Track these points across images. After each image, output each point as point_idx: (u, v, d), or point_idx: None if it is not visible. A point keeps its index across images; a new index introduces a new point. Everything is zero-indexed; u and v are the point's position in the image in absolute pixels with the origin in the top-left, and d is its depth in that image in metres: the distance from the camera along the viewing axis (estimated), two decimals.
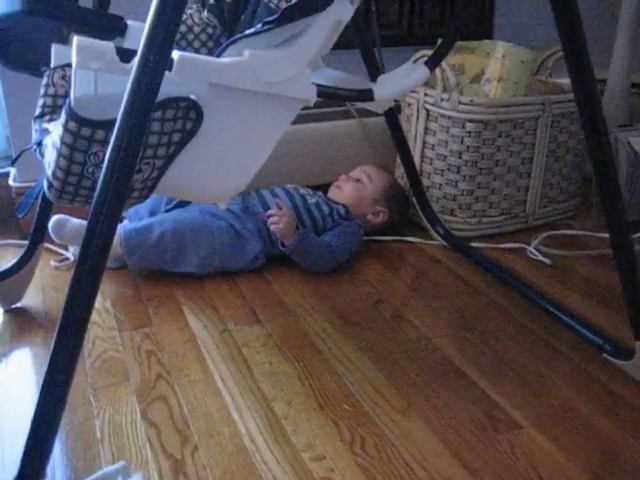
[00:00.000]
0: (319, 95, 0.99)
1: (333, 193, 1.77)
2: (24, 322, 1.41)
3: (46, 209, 1.37)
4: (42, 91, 1.12)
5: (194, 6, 1.25)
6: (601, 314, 1.46)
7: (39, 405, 0.83)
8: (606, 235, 1.18)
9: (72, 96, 0.86)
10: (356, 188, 1.75)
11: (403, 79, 1.03)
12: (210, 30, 1.24)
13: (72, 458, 1.05)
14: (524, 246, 1.76)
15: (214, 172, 1.00)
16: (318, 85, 0.98)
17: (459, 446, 1.08)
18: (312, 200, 1.67)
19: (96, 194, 0.80)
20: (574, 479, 1.01)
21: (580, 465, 1.04)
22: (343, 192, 1.76)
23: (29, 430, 0.83)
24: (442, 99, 1.73)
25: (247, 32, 0.94)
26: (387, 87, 1.02)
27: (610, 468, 1.04)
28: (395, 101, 1.85)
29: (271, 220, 1.56)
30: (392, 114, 1.67)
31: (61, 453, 1.06)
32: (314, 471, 1.02)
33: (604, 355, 1.29)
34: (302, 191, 1.70)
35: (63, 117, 0.87)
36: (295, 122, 1.90)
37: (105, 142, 0.87)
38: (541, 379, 1.25)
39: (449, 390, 1.21)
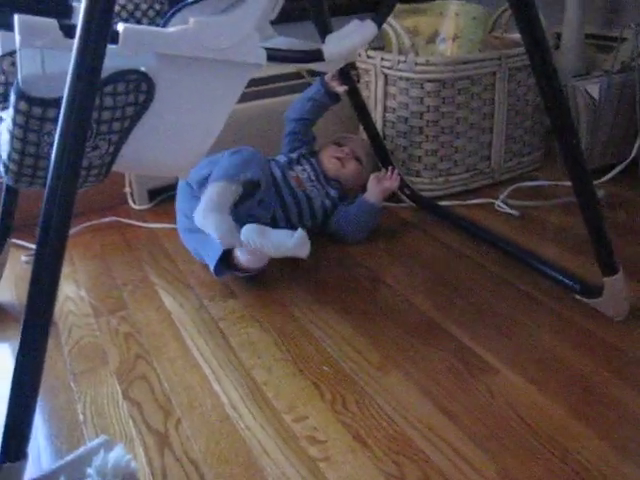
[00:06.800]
0: (268, 59, 0.98)
1: (334, 165, 1.71)
2: None
3: (11, 204, 1.36)
4: None
5: None
6: (571, 258, 1.48)
7: (13, 390, 0.83)
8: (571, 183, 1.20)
9: (19, 76, 0.86)
10: (357, 170, 1.73)
11: (351, 36, 1.03)
12: (158, 7, 1.23)
13: (56, 442, 1.05)
14: (492, 201, 1.78)
15: (171, 144, 0.99)
16: (267, 49, 0.98)
17: (438, 394, 1.10)
18: (318, 203, 1.63)
19: (49, 174, 0.80)
20: (552, 414, 1.04)
21: (557, 401, 1.06)
22: (345, 170, 1.71)
23: (6, 413, 0.84)
24: (399, 62, 1.73)
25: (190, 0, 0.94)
26: (336, 45, 1.02)
27: (587, 401, 1.06)
28: (353, 69, 1.86)
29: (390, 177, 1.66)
30: (350, 81, 1.67)
31: (45, 438, 1.06)
32: (297, 431, 1.04)
33: (575, 296, 1.31)
34: (308, 187, 1.65)
35: (13, 98, 0.87)
36: (256, 97, 1.92)
37: (58, 120, 0.86)
38: (516, 325, 1.27)
39: (426, 343, 1.23)
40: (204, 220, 1.34)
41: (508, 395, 1.08)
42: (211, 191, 1.38)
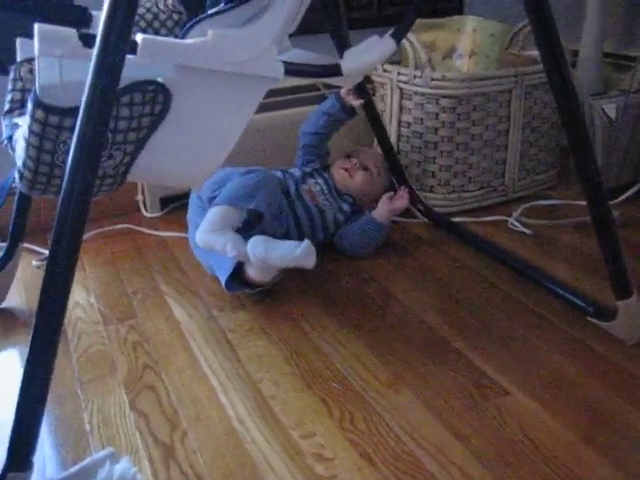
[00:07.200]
0: (286, 73, 0.98)
1: (342, 177, 1.69)
2: (8, 322, 1.40)
3: (24, 209, 1.36)
4: (10, 86, 1.11)
5: None
6: (584, 280, 1.47)
7: (21, 398, 0.83)
8: (585, 203, 1.19)
9: (37, 84, 0.85)
10: (366, 180, 1.70)
11: (370, 51, 1.03)
12: (176, 17, 1.23)
13: (62, 451, 1.05)
14: (505, 218, 1.77)
15: (185, 155, 0.99)
16: (284, 62, 0.98)
17: (448, 415, 1.08)
18: (330, 217, 1.63)
19: (65, 182, 0.80)
20: (562, 439, 1.02)
21: (569, 426, 1.05)
22: (353, 181, 1.69)
23: (13, 423, 0.83)
24: (415, 76, 1.72)
25: (210, 12, 0.93)
26: (354, 61, 1.02)
27: (598, 427, 1.05)
28: (369, 83, 1.86)
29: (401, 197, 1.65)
30: (366, 94, 1.66)
31: (51, 446, 1.05)
32: (304, 448, 1.03)
33: (589, 318, 1.30)
34: (321, 200, 1.64)
35: (30, 106, 0.87)
36: (271, 109, 1.91)
37: (74, 129, 0.86)
38: (527, 346, 1.26)
39: (436, 361, 1.22)
40: (205, 241, 1.36)
41: (520, 419, 1.06)
42: (213, 213, 1.39)
